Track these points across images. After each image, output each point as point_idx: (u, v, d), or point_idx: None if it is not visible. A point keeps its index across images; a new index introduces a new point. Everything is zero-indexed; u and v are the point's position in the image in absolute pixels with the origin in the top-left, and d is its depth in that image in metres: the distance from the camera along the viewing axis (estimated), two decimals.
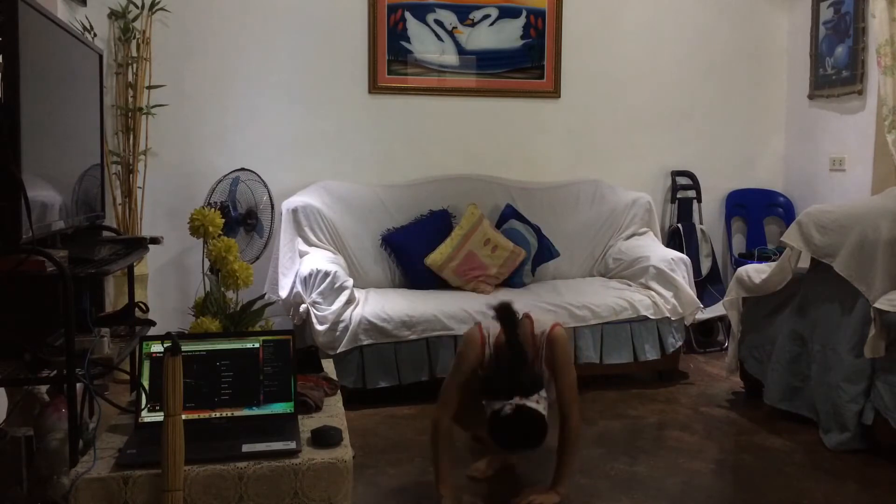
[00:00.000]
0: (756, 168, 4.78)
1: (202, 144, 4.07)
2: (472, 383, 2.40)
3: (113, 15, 3.84)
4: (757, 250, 4.52)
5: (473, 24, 4.32)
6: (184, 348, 1.82)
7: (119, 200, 3.86)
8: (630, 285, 3.86)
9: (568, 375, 2.41)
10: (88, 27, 3.70)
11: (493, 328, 2.41)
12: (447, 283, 3.85)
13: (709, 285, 4.54)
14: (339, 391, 2.34)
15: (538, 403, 2.24)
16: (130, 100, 3.84)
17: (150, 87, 3.89)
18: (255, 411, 2.02)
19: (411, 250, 3.91)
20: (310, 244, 3.80)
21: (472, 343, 2.42)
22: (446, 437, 2.42)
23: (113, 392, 3.24)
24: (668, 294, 3.74)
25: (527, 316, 2.44)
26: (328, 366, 2.59)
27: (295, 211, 3.82)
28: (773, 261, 3.37)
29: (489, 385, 2.29)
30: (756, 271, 3.37)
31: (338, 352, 3.34)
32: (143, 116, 3.87)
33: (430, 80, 4.30)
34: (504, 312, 2.39)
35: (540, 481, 2.63)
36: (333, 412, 2.14)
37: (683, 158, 4.66)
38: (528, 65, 4.41)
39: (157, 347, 2.01)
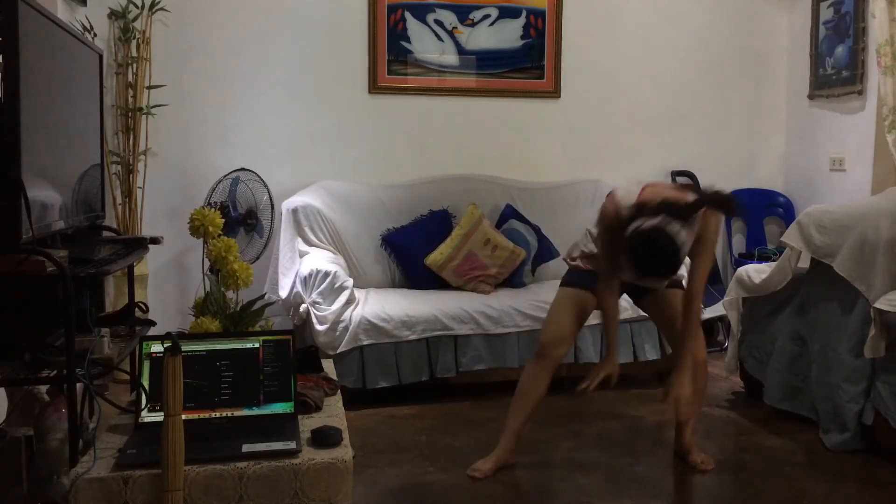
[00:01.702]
0: (756, 168, 4.78)
1: (202, 144, 4.07)
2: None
3: (113, 15, 3.84)
4: (757, 250, 4.52)
5: (473, 24, 4.32)
6: (184, 348, 1.82)
7: (119, 200, 3.86)
8: None
9: (708, 258, 2.50)
10: (88, 27, 3.70)
11: (630, 196, 2.42)
12: (447, 283, 3.85)
13: (709, 285, 4.52)
14: (339, 391, 2.34)
15: (678, 234, 2.24)
16: (130, 100, 3.84)
17: (150, 87, 3.89)
18: (255, 411, 2.02)
19: (411, 250, 3.91)
20: (310, 244, 3.80)
21: (606, 213, 2.46)
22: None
23: (113, 392, 3.24)
24: None
25: (684, 193, 2.43)
26: (328, 366, 2.58)
27: (295, 211, 3.83)
28: (773, 261, 3.37)
29: (637, 210, 2.30)
30: (756, 271, 3.37)
31: (338, 352, 3.34)
32: (143, 116, 3.87)
33: (430, 80, 4.30)
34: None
35: (540, 481, 2.64)
36: (333, 412, 2.14)
37: (683, 158, 4.66)
38: (528, 65, 4.41)
39: (157, 347, 2.01)
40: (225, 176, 3.87)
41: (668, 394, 2.55)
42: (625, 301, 3.64)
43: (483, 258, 3.85)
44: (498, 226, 4.06)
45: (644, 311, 2.99)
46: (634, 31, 4.55)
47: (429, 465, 2.75)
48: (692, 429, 2.83)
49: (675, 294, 2.71)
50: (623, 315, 3.63)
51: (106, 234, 2.84)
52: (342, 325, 3.38)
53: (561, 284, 2.80)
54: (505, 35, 4.36)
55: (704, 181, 4.58)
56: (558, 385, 3.63)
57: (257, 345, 2.08)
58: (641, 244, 2.24)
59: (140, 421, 1.95)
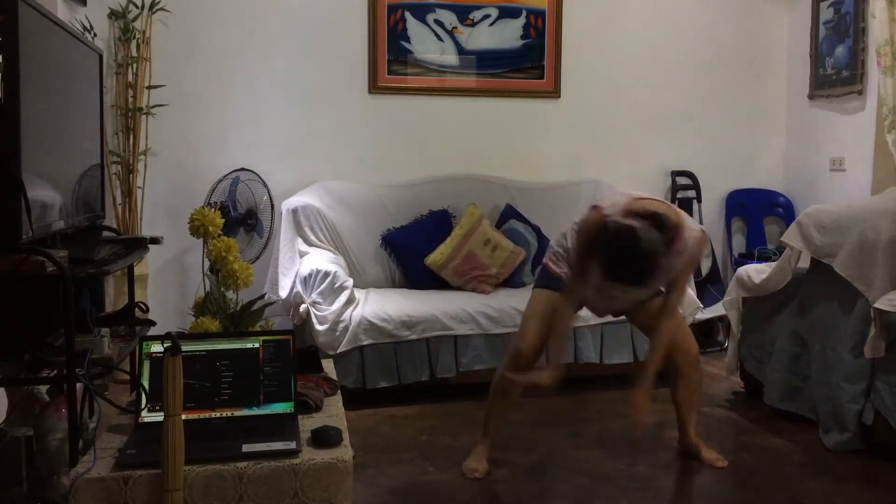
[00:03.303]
0: (756, 168, 4.78)
1: (202, 144, 4.07)
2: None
3: (113, 15, 3.84)
4: (757, 250, 4.52)
5: (473, 24, 4.32)
6: (184, 348, 1.82)
7: (119, 200, 3.86)
8: None
9: (685, 283, 2.53)
10: (88, 27, 3.70)
11: (616, 207, 2.31)
12: (447, 283, 3.85)
13: (709, 285, 4.54)
14: (339, 391, 2.34)
15: (656, 243, 2.15)
16: (130, 100, 3.84)
17: (150, 87, 3.89)
18: (255, 411, 2.02)
19: (411, 250, 3.91)
20: (310, 244, 3.80)
21: (587, 222, 2.39)
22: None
23: (113, 392, 3.24)
24: None
25: (669, 205, 2.44)
26: (328, 366, 2.59)
27: (295, 211, 3.83)
28: (773, 261, 3.37)
29: (622, 216, 2.23)
30: (756, 271, 3.37)
31: (338, 352, 3.34)
32: (143, 116, 3.87)
33: (430, 80, 4.30)
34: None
35: (540, 481, 2.64)
36: (333, 412, 2.14)
37: (683, 158, 4.66)
38: (528, 65, 4.41)
39: (157, 347, 2.01)
40: (225, 176, 3.87)
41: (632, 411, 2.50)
42: None
43: (483, 258, 3.85)
44: (498, 226, 4.06)
45: (630, 321, 2.91)
46: (634, 31, 4.55)
47: (429, 465, 2.76)
48: (694, 427, 2.83)
49: (653, 303, 2.64)
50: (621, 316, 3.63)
51: (106, 234, 2.83)
52: (342, 325, 3.38)
53: (537, 286, 2.72)
54: (505, 35, 4.36)
55: (704, 181, 4.61)
56: (559, 385, 3.64)
57: (257, 345, 2.08)
58: (616, 241, 2.17)
59: (140, 421, 1.95)
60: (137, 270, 3.49)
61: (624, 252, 2.16)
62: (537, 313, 2.64)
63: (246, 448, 1.82)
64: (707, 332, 4.37)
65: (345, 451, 1.86)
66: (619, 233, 2.17)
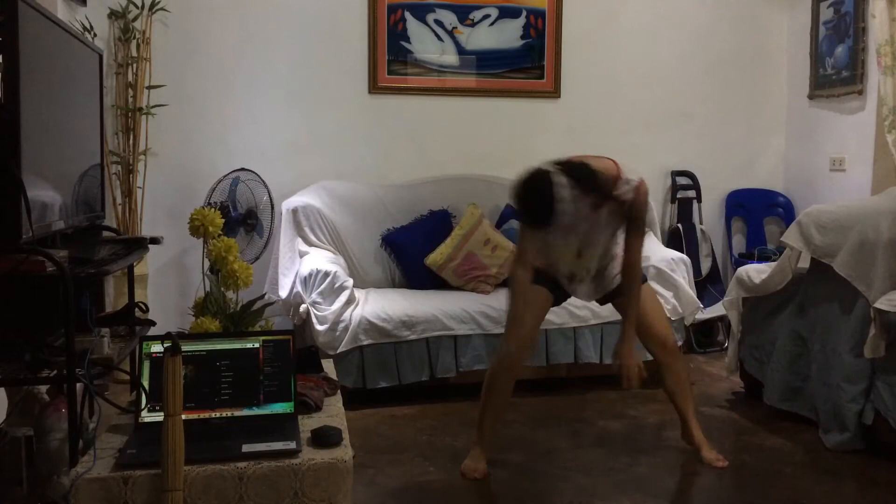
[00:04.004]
0: (756, 168, 4.78)
1: (202, 144, 4.07)
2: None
3: (113, 15, 3.84)
4: (757, 250, 4.52)
5: (473, 24, 4.32)
6: (184, 348, 1.82)
7: (119, 200, 3.86)
8: None
9: (640, 234, 2.60)
10: (88, 27, 3.70)
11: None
12: (447, 283, 3.85)
13: (709, 285, 4.54)
14: (339, 391, 2.34)
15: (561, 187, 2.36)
16: (130, 100, 3.84)
17: (150, 87, 3.89)
18: (255, 411, 2.02)
19: (411, 250, 3.91)
20: (310, 244, 3.80)
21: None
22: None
23: (113, 392, 3.24)
24: (668, 294, 3.74)
25: (612, 160, 2.52)
26: (328, 366, 2.59)
27: (295, 211, 3.83)
28: (773, 261, 3.37)
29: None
30: (756, 271, 3.37)
31: (338, 352, 3.34)
32: (143, 116, 3.87)
33: (430, 80, 4.30)
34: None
35: (540, 481, 2.64)
36: (333, 412, 2.14)
37: (683, 158, 4.66)
38: (528, 65, 4.41)
39: (157, 347, 2.01)
40: (225, 176, 3.87)
41: (618, 365, 2.63)
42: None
43: (483, 258, 3.85)
44: (498, 226, 4.06)
45: (617, 311, 2.94)
46: (634, 31, 4.55)
47: (429, 465, 2.76)
48: (695, 421, 2.83)
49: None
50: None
51: (106, 234, 2.84)
52: (342, 325, 3.38)
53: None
54: (505, 35, 4.36)
55: (704, 181, 4.62)
56: (558, 385, 3.65)
57: (257, 345, 2.08)
58: (524, 178, 2.40)
59: (140, 421, 1.95)
60: (137, 270, 3.49)
61: (529, 187, 2.40)
62: (530, 306, 2.64)
63: (246, 448, 1.82)
64: (707, 332, 4.37)
65: (345, 451, 1.86)
66: (530, 172, 2.41)
